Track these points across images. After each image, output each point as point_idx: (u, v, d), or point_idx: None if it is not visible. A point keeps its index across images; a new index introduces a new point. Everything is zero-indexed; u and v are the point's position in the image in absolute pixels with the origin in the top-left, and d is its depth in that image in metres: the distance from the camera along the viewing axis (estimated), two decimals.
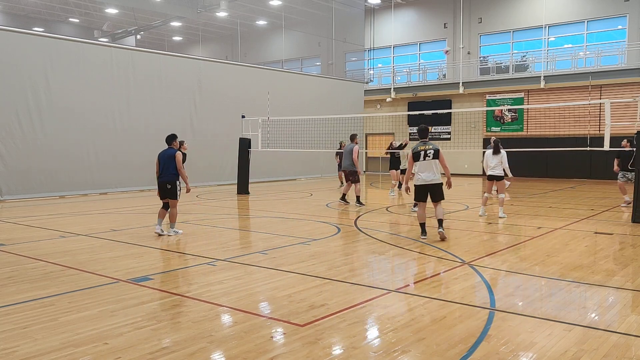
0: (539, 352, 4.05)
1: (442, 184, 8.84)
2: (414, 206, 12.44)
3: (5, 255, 7.69)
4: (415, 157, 8.74)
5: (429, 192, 8.78)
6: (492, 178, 11.65)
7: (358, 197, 13.66)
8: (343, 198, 14.08)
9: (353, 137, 13.94)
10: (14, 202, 15.19)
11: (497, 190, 12.01)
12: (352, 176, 13.69)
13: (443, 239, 8.59)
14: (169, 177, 9.05)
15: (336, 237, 9.28)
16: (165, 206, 9.29)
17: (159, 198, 9.35)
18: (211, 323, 4.76)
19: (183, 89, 20.03)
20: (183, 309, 5.13)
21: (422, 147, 8.73)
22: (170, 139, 9.27)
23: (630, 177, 13.11)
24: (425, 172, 8.70)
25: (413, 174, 8.92)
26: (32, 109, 16.09)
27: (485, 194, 11.88)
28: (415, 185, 8.88)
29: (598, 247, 8.26)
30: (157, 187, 9.34)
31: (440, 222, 8.72)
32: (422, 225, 8.92)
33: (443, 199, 8.85)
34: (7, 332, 4.50)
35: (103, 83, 17.69)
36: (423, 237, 8.77)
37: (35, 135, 16.16)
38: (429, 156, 8.66)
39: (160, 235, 9.15)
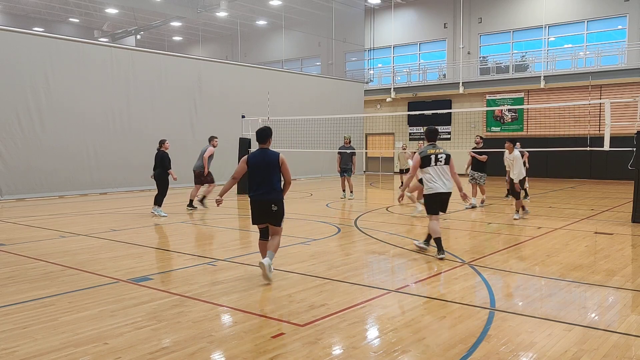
0: (539, 352, 4.05)
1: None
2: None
3: (5, 255, 7.69)
4: (425, 161, 7.60)
5: (443, 202, 7.65)
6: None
7: (202, 199, 12.83)
8: (201, 201, 12.86)
9: (211, 139, 13.13)
10: (14, 202, 15.20)
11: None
12: (202, 177, 12.76)
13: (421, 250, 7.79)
14: (274, 194, 6.18)
15: (336, 237, 9.28)
16: (263, 233, 6.37)
17: (253, 223, 6.36)
18: (211, 323, 4.76)
19: (183, 89, 20.03)
20: (183, 309, 5.13)
21: (432, 151, 7.61)
22: (266, 135, 6.37)
23: (476, 177, 13.38)
24: (444, 179, 7.54)
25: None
26: (32, 109, 16.10)
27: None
28: (430, 194, 7.64)
29: (598, 247, 8.25)
30: (251, 205, 6.31)
31: (439, 241, 7.57)
32: (439, 240, 7.44)
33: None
34: (7, 332, 4.50)
35: (103, 83, 17.70)
36: (441, 256, 7.31)
37: (35, 135, 16.16)
38: (440, 161, 7.57)
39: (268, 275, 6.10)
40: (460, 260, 7.20)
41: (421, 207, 11.22)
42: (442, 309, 5.14)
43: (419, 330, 4.53)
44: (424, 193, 7.81)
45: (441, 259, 7.29)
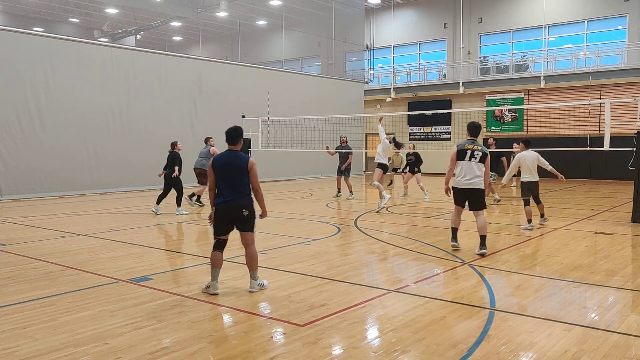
0: (539, 352, 4.05)
1: (483, 190, 7.73)
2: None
3: (5, 255, 7.69)
4: (460, 155, 7.69)
5: (467, 198, 7.74)
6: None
7: (199, 196, 13.21)
8: (198, 199, 13.25)
9: (207, 140, 13.14)
10: (14, 202, 15.19)
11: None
12: (205, 177, 12.42)
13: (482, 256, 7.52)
14: (244, 199, 5.67)
15: (336, 237, 9.28)
16: (221, 245, 5.81)
17: (215, 233, 5.79)
18: (211, 323, 4.76)
19: (183, 89, 20.03)
20: (183, 309, 5.13)
21: (470, 146, 7.67)
22: (237, 135, 5.82)
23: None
24: (467, 175, 7.62)
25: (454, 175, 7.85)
26: (32, 109, 16.10)
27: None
28: (452, 187, 7.91)
29: (598, 247, 8.25)
30: (218, 214, 5.73)
31: (482, 238, 7.54)
32: (454, 230, 7.86)
33: (485, 207, 7.83)
34: (7, 332, 4.50)
35: (103, 83, 17.70)
36: (453, 243, 7.77)
37: (35, 135, 16.16)
38: (475, 158, 7.61)
39: (213, 294, 5.66)
40: (460, 260, 7.21)
41: (382, 203, 12.18)
42: (442, 309, 5.14)
43: (419, 330, 4.53)
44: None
45: (453, 246, 7.82)
